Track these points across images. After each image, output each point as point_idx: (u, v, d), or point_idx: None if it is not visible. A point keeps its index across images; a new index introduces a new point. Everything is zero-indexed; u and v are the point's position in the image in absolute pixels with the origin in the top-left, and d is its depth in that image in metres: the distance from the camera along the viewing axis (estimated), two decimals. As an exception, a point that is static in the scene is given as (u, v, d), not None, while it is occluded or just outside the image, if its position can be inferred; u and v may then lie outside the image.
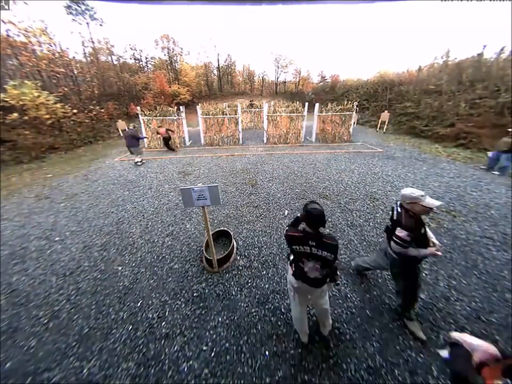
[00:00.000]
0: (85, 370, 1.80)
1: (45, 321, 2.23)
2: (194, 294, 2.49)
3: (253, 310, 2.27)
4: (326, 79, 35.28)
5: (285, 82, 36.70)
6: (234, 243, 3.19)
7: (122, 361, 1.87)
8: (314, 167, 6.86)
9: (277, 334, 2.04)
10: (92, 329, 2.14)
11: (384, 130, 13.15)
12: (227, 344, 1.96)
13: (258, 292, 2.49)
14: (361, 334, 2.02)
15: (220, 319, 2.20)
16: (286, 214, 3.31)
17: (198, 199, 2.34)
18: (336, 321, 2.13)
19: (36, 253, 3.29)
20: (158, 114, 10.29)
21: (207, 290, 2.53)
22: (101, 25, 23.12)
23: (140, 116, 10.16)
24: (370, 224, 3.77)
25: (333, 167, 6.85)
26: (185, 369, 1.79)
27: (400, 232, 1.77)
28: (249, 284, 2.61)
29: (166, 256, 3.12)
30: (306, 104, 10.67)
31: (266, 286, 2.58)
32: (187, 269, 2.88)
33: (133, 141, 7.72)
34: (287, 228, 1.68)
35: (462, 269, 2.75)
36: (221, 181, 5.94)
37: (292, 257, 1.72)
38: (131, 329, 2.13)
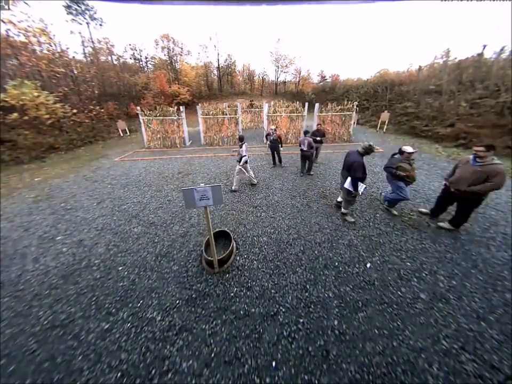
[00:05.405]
0: (85, 372, 1.80)
1: (45, 321, 2.23)
2: (194, 294, 2.49)
3: (253, 310, 2.28)
4: (326, 79, 35.30)
5: (285, 82, 36.71)
6: (234, 243, 3.19)
7: (122, 361, 1.87)
8: (314, 167, 6.86)
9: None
10: (92, 329, 2.14)
11: (384, 130, 13.14)
12: (227, 343, 1.97)
13: (258, 292, 2.49)
14: (362, 335, 2.02)
15: (220, 319, 2.20)
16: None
17: (200, 199, 2.33)
18: (335, 322, 2.14)
19: (36, 253, 3.29)
20: (158, 114, 10.29)
21: (207, 290, 2.54)
22: (101, 25, 23.20)
23: (139, 115, 10.17)
24: (371, 224, 3.76)
25: (333, 167, 6.85)
26: (185, 369, 1.79)
27: None
28: (249, 284, 2.61)
29: (166, 256, 3.12)
30: (306, 104, 10.68)
31: (266, 285, 2.58)
32: (187, 269, 2.88)
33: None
34: None
35: (462, 269, 2.75)
36: (221, 181, 5.94)
37: None
38: (131, 329, 2.13)
